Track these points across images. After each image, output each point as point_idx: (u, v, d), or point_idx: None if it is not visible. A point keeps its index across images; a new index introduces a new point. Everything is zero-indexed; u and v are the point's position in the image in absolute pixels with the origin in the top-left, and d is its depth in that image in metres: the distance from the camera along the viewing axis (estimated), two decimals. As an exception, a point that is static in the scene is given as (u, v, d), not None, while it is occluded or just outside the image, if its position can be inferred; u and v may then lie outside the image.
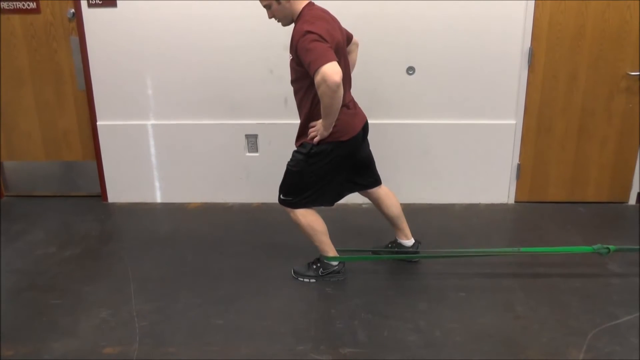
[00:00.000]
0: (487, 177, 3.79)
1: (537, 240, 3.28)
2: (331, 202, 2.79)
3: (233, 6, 3.48)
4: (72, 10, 3.60)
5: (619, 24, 3.42)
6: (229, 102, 3.71)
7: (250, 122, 3.74)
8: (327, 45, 2.28)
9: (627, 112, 3.60)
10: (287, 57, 2.51)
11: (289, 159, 2.65)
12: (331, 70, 2.20)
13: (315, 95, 2.38)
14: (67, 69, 3.76)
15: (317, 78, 2.24)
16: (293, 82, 2.56)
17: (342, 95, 2.30)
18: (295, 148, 2.65)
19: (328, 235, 2.77)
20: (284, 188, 2.69)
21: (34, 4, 3.62)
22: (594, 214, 3.66)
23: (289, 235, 3.33)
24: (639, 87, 3.53)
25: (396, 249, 3.01)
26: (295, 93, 2.59)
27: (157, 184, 3.93)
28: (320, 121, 2.45)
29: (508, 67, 3.54)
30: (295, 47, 2.35)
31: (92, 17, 3.57)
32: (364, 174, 2.82)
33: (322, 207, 2.76)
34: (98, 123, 3.81)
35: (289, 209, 2.71)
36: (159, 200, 3.97)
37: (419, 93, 3.62)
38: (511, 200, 3.85)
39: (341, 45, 2.47)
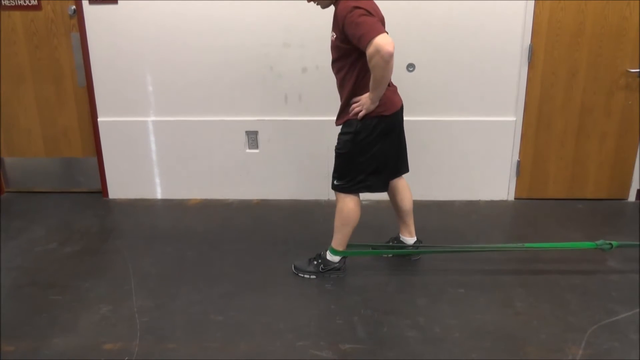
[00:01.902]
0: (486, 173, 3.79)
1: (537, 237, 3.28)
2: (384, 186, 2.76)
3: (233, 3, 3.48)
4: (73, 6, 3.60)
5: (619, 21, 3.42)
6: (229, 98, 3.71)
7: (250, 118, 3.74)
8: (376, 19, 2.30)
9: (627, 109, 3.60)
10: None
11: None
12: (383, 41, 2.21)
13: (360, 70, 2.42)
14: (68, 65, 3.76)
15: (370, 49, 2.24)
16: (335, 61, 2.57)
17: (393, 67, 2.31)
18: (338, 129, 2.65)
19: (351, 233, 2.78)
20: (337, 172, 2.69)
21: (35, 0, 3.62)
22: (594, 211, 3.67)
23: (288, 232, 3.34)
24: (638, 84, 3.54)
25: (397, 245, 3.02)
26: (338, 72, 2.59)
27: (157, 180, 3.94)
28: (365, 95, 2.46)
29: (508, 64, 3.54)
30: (341, 24, 2.35)
31: (93, 14, 3.57)
32: (401, 159, 2.83)
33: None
34: (99, 119, 3.81)
35: (340, 195, 2.70)
36: (159, 196, 3.98)
37: (419, 90, 3.61)
38: (511, 197, 3.85)
39: (384, 24, 2.48)
